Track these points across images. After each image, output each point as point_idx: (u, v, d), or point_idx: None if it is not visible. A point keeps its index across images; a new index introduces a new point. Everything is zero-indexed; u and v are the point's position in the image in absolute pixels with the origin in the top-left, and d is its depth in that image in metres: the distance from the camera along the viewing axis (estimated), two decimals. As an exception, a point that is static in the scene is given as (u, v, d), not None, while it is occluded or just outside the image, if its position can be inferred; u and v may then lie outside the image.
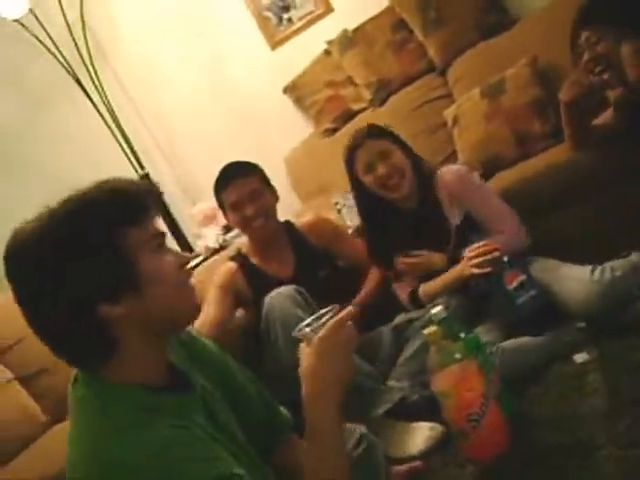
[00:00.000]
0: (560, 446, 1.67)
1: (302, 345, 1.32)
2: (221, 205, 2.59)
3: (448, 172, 2.42)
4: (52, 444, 2.59)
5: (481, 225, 2.36)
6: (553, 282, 2.17)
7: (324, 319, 1.34)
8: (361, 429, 1.70)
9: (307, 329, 1.34)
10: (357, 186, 2.47)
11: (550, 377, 2.01)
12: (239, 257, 2.64)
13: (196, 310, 1.29)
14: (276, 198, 2.62)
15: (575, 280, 2.12)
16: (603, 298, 2.04)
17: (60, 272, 1.11)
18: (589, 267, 2.13)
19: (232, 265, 2.59)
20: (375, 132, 2.45)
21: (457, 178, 2.39)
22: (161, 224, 1.26)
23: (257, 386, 1.49)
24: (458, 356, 1.70)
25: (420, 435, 1.98)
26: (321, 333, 1.29)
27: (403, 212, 2.43)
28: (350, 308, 1.35)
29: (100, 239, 1.14)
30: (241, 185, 2.51)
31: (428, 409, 2.03)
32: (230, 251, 3.02)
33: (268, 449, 1.44)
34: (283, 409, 1.55)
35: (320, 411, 1.25)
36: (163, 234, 1.24)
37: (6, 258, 1.16)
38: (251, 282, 2.54)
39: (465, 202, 2.37)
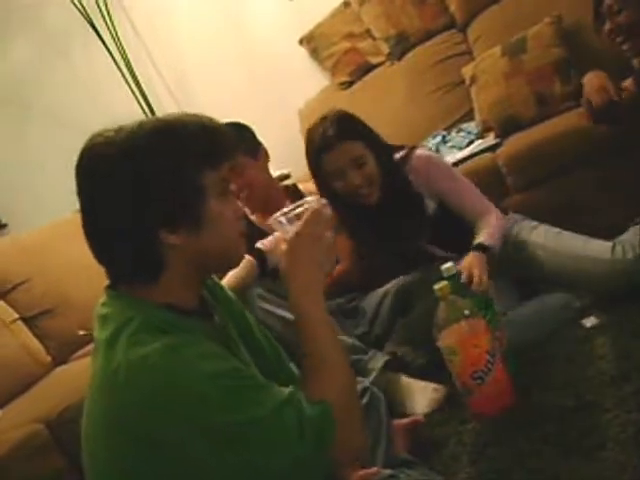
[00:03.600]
0: (565, 408, 1.65)
1: (277, 234, 1.30)
2: None
3: (416, 158, 2.23)
4: (55, 385, 2.60)
5: (457, 212, 2.23)
6: (569, 259, 2.13)
7: (299, 210, 1.31)
8: (365, 382, 1.69)
9: (282, 218, 1.31)
10: (326, 189, 2.19)
11: (558, 340, 2.00)
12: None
13: (238, 261, 1.32)
14: (265, 159, 2.56)
15: (595, 260, 2.09)
16: (627, 277, 2.02)
17: (132, 184, 1.13)
18: (608, 244, 2.10)
19: None
20: (348, 132, 2.12)
21: (425, 162, 2.22)
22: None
23: (269, 339, 1.49)
24: (467, 312, 1.69)
25: (424, 397, 1.97)
26: (296, 228, 1.26)
27: (373, 210, 2.22)
28: (319, 199, 1.33)
29: (178, 167, 1.16)
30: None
31: (432, 372, 2.01)
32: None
33: None
34: (292, 365, 1.53)
35: (309, 306, 1.23)
36: (229, 182, 1.26)
37: (82, 156, 1.18)
38: (249, 240, 2.52)
39: (436, 188, 2.23)
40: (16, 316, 2.89)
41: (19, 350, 2.79)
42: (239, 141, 2.45)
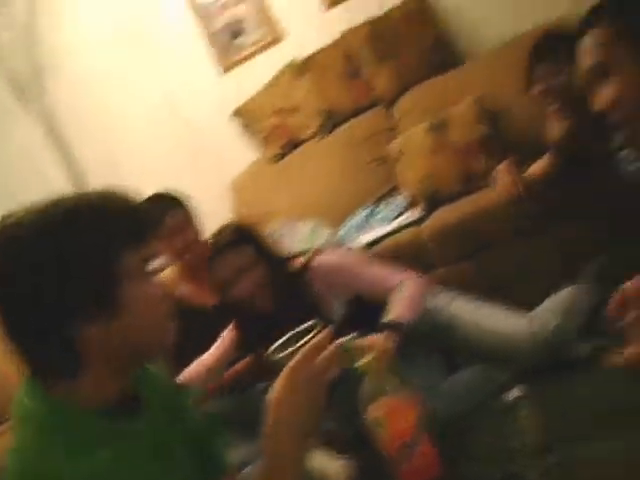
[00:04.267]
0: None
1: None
2: None
3: (315, 268, 2.20)
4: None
5: (374, 301, 2.17)
6: (489, 334, 2.16)
7: (301, 342, 1.22)
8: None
9: (281, 355, 1.24)
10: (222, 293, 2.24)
11: (484, 412, 2.01)
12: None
13: (169, 343, 1.19)
14: (198, 233, 2.60)
15: (516, 334, 2.12)
16: (548, 348, 2.06)
17: (38, 277, 1.03)
18: (525, 316, 2.14)
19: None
20: (237, 239, 2.17)
21: (324, 271, 2.20)
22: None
23: (201, 416, 1.42)
24: (391, 387, 1.69)
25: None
26: (291, 363, 1.17)
27: (274, 316, 2.17)
28: (326, 330, 1.22)
29: (90, 253, 1.05)
30: (170, 217, 2.50)
31: (359, 443, 1.99)
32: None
33: None
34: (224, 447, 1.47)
35: (279, 443, 1.13)
36: (151, 259, 1.16)
37: None
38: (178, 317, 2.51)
39: (343, 292, 2.20)
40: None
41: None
42: (174, 206, 2.51)
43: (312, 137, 3.62)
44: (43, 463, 1.01)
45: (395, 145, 3.15)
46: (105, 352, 1.08)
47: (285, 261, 2.24)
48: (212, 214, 2.76)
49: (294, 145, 3.66)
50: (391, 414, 1.69)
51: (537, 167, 2.49)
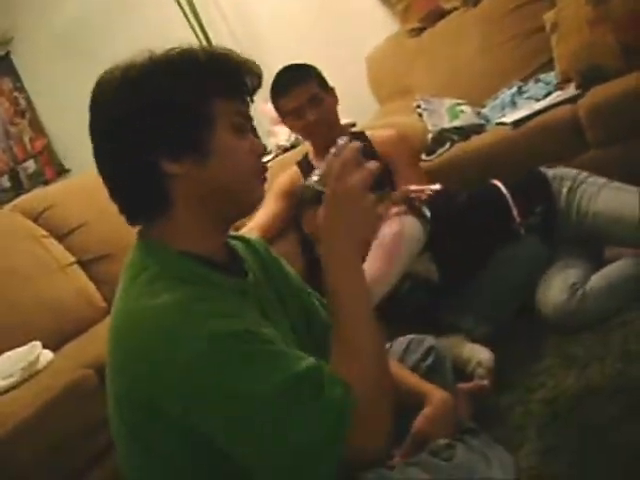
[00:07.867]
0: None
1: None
2: (279, 112, 2.50)
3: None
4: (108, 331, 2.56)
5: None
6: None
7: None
8: (430, 340, 1.58)
9: (314, 178, 1.18)
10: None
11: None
12: (303, 161, 2.62)
13: (255, 202, 1.21)
14: (336, 100, 2.51)
15: None
16: None
17: (129, 109, 1.10)
18: None
19: (294, 171, 2.60)
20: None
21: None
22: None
23: (322, 303, 1.40)
24: None
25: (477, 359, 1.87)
26: (327, 188, 1.12)
27: None
28: (353, 144, 1.14)
29: (183, 94, 1.10)
30: (300, 91, 2.41)
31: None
32: (297, 153, 2.95)
33: None
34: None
35: (341, 279, 1.09)
36: (249, 118, 1.18)
37: (93, 89, 1.16)
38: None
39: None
40: (73, 259, 2.85)
41: (74, 294, 2.74)
42: (311, 74, 2.47)
43: (457, 8, 3.37)
44: (131, 301, 1.09)
45: (550, 16, 2.87)
46: (191, 195, 1.12)
47: None
48: (347, 89, 2.64)
49: (437, 17, 3.42)
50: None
51: None
